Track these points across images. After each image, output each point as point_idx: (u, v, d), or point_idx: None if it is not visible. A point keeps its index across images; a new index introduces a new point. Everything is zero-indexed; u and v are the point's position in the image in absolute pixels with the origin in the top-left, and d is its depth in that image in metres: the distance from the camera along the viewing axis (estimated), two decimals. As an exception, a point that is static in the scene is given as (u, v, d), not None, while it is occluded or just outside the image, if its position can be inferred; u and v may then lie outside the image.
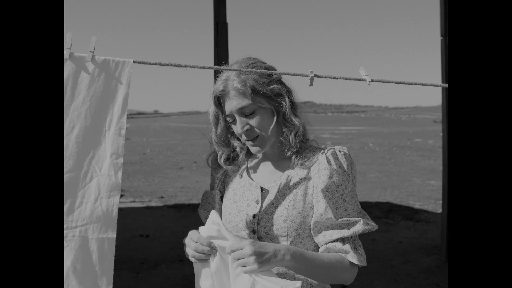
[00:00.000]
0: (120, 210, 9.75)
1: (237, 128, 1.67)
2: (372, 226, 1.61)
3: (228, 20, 5.42)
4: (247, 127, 1.65)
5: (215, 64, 5.58)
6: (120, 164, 1.45)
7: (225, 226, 1.54)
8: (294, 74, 1.53)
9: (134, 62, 1.45)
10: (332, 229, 1.60)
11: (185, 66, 1.46)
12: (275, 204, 1.65)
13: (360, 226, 1.58)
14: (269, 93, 1.65)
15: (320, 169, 1.64)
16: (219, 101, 1.70)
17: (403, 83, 1.60)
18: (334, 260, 1.56)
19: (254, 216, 1.66)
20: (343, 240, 1.60)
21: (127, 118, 1.46)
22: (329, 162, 1.64)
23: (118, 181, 1.45)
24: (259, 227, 1.65)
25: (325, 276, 1.57)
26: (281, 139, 1.68)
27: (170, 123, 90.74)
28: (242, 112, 1.64)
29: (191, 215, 9.17)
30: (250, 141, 1.68)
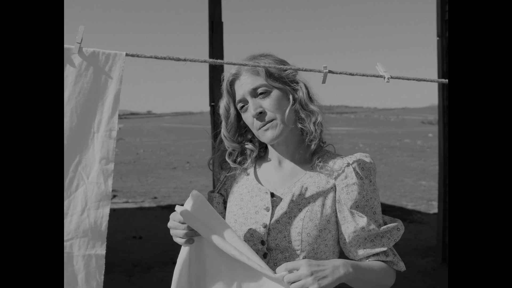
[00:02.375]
0: (113, 211, 9.53)
1: (249, 113, 1.50)
2: (403, 227, 1.52)
3: (223, 20, 5.24)
4: (260, 109, 1.48)
5: (210, 64, 5.37)
6: (110, 171, 1.25)
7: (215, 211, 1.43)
8: (306, 70, 1.34)
9: (127, 55, 1.25)
10: (371, 241, 1.47)
11: (184, 60, 1.27)
12: (288, 213, 1.47)
13: (399, 232, 1.49)
14: (284, 78, 1.50)
15: (348, 184, 1.47)
16: (231, 88, 1.55)
17: (424, 80, 1.42)
18: (381, 268, 1.47)
19: (264, 225, 1.48)
20: (384, 252, 1.49)
21: (120, 118, 1.27)
22: (357, 174, 1.47)
23: (108, 190, 1.25)
24: (269, 238, 1.46)
25: (376, 285, 1.47)
26: (300, 126, 1.51)
27: (163, 123, 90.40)
28: (255, 93, 1.49)
29: (184, 216, 8.91)
30: (263, 127, 1.49)
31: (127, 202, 11.02)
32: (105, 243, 1.27)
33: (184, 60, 1.27)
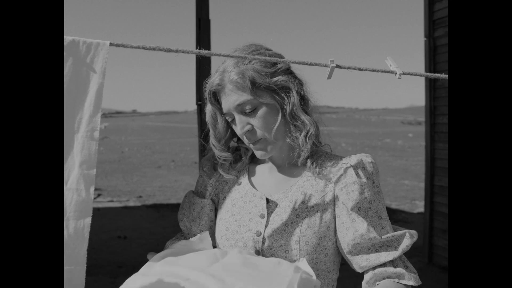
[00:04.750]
0: (98, 210, 9.31)
1: (237, 130, 1.34)
2: (416, 236, 1.32)
3: (210, 17, 5.07)
4: (248, 127, 1.32)
5: (197, 62, 5.20)
6: (92, 176, 1.07)
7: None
8: (310, 64, 1.19)
9: (111, 44, 1.09)
10: (376, 251, 1.30)
11: (176, 51, 1.11)
12: (285, 220, 1.31)
13: (408, 240, 1.30)
14: (273, 86, 1.31)
15: (347, 184, 1.31)
16: (215, 97, 1.38)
17: (437, 77, 1.29)
18: None
19: (258, 233, 1.32)
20: (392, 262, 1.30)
21: (105, 117, 1.10)
22: (357, 174, 1.32)
23: (90, 198, 1.07)
24: (264, 248, 1.31)
25: None
26: (288, 140, 1.34)
27: (148, 122, 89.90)
28: (241, 109, 1.31)
29: (169, 215, 8.76)
30: (254, 145, 1.35)
31: (111, 201, 10.78)
32: (86, 256, 1.11)
33: (176, 51, 1.11)
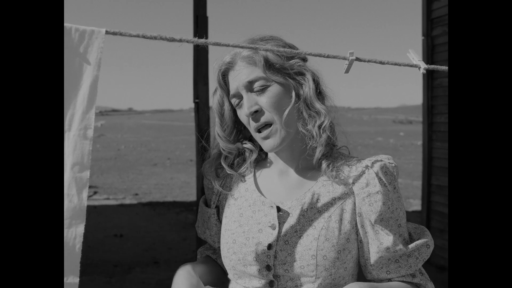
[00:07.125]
0: (94, 208, 9.17)
1: (243, 111, 1.20)
2: (433, 241, 1.24)
3: (208, 14, 4.94)
4: (256, 107, 1.18)
5: (194, 60, 5.07)
6: (85, 180, 0.93)
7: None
8: (328, 56, 1.06)
9: (107, 32, 0.95)
10: (396, 261, 1.19)
11: (180, 41, 0.98)
12: (299, 231, 1.17)
13: (428, 249, 1.21)
14: (288, 69, 1.19)
15: (370, 193, 1.18)
16: (224, 80, 1.26)
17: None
18: None
19: (269, 246, 1.17)
20: (411, 273, 1.22)
21: (102, 115, 0.98)
22: (380, 181, 1.19)
23: (83, 204, 0.93)
24: (276, 262, 1.16)
25: None
26: (301, 129, 1.20)
27: (144, 120, 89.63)
28: (250, 87, 1.19)
29: (166, 213, 8.63)
30: (260, 133, 1.20)
31: (107, 198, 10.63)
32: (79, 268, 0.98)
33: (180, 40, 0.98)
